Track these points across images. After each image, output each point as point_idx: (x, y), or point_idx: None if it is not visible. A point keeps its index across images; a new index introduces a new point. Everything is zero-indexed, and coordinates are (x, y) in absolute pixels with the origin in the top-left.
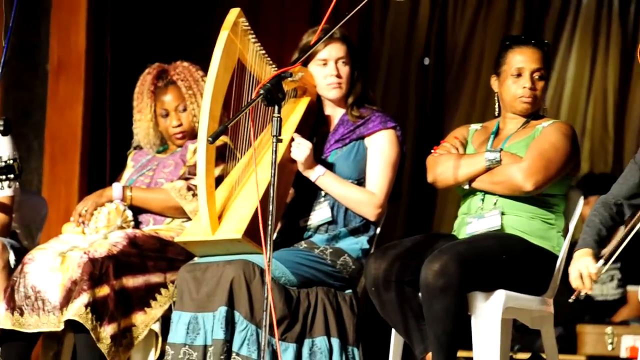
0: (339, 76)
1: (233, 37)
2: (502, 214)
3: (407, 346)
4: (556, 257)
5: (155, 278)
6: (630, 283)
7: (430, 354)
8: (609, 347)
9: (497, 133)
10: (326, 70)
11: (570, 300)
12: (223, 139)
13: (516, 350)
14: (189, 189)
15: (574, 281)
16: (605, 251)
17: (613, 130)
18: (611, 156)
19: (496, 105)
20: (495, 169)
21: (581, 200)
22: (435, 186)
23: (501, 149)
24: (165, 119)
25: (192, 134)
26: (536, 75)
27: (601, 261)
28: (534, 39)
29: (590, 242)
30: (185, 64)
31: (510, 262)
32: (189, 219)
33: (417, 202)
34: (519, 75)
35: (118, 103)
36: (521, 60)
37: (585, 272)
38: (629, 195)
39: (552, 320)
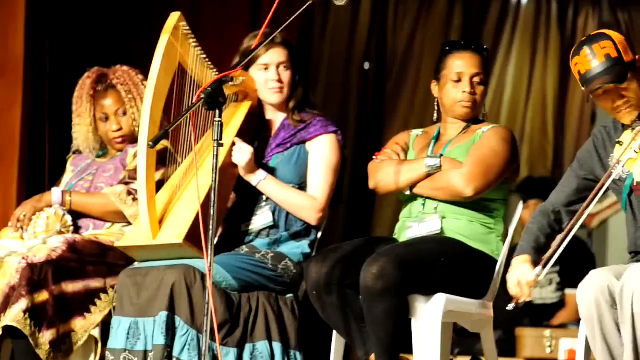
0: (280, 81)
1: (174, 41)
2: (443, 218)
3: (348, 349)
4: (495, 261)
5: (95, 283)
6: (568, 287)
7: (373, 356)
8: (548, 350)
9: (437, 138)
10: (267, 74)
11: (509, 308)
12: (164, 143)
13: (456, 354)
14: (129, 193)
15: (513, 289)
16: (544, 257)
17: (553, 135)
18: (551, 160)
19: (435, 111)
20: (436, 175)
21: (520, 205)
22: (376, 192)
23: (441, 155)
24: (105, 123)
25: (132, 138)
26: (476, 80)
27: (539, 267)
28: (473, 44)
29: (528, 249)
30: (125, 68)
31: (450, 265)
32: (129, 223)
33: (356, 206)
34: (458, 80)
35: (57, 107)
36: (461, 65)
37: (524, 279)
38: (567, 202)
39: (492, 323)
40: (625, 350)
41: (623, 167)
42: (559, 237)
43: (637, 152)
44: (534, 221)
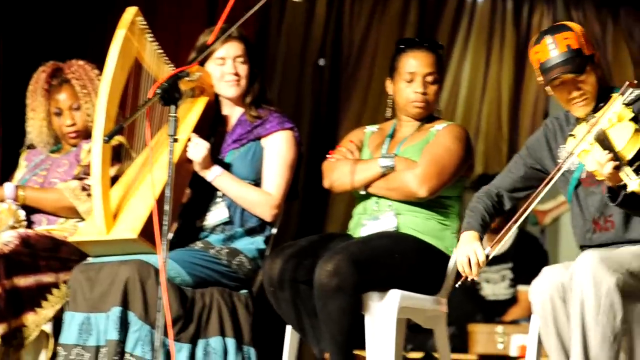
0: (237, 74)
1: (130, 35)
2: (397, 214)
3: (302, 345)
4: (449, 257)
5: (48, 278)
6: (520, 283)
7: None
8: (500, 346)
9: (392, 136)
10: (224, 68)
11: (457, 286)
12: (119, 138)
13: (409, 350)
14: (83, 189)
15: (462, 266)
16: (493, 243)
17: (507, 131)
18: (505, 157)
19: (389, 108)
20: (390, 175)
21: None
22: (331, 191)
23: (395, 155)
24: (58, 117)
25: (85, 134)
26: (428, 79)
27: (488, 248)
28: (427, 42)
29: (476, 226)
30: (81, 62)
31: (404, 262)
32: (83, 219)
33: (310, 202)
34: (411, 80)
35: (11, 101)
36: (414, 64)
37: (474, 259)
38: (511, 188)
39: (445, 319)
40: (573, 336)
41: (576, 159)
42: (509, 224)
43: (591, 145)
44: (478, 201)
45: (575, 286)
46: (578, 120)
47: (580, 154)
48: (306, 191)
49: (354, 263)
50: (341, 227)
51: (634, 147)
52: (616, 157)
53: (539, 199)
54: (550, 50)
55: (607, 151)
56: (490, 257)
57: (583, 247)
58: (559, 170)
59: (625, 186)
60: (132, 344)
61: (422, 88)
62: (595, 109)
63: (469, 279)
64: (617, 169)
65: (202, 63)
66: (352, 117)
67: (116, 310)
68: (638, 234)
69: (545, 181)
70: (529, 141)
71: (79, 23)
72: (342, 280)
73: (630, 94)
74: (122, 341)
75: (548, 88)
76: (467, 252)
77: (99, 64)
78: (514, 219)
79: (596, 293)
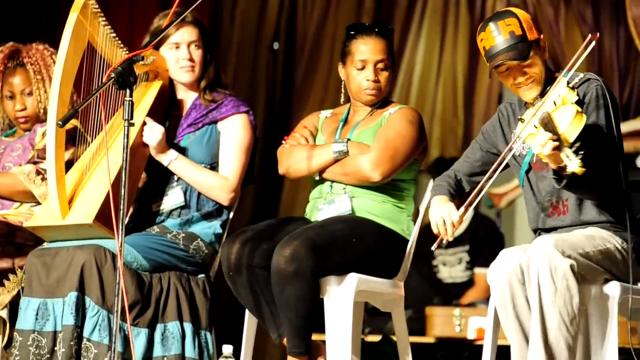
0: (191, 59)
1: (83, 19)
2: (352, 197)
3: (260, 329)
4: (407, 240)
5: (3, 264)
6: (477, 266)
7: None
8: (457, 329)
9: (346, 121)
10: (179, 53)
11: (433, 248)
12: (73, 122)
13: (367, 333)
14: (38, 172)
15: (438, 227)
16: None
17: (463, 115)
18: (460, 141)
19: (342, 93)
20: (344, 160)
21: (431, 184)
22: (287, 177)
23: (348, 139)
24: (10, 101)
25: (36, 120)
26: (380, 66)
27: (462, 209)
28: (377, 27)
29: (445, 192)
30: (41, 47)
31: (362, 245)
32: (38, 203)
33: (265, 186)
34: (362, 67)
35: None
36: (365, 51)
37: (448, 219)
38: (468, 172)
39: (403, 302)
40: (532, 320)
41: (523, 142)
42: (465, 205)
43: (536, 128)
44: (441, 180)
45: (532, 271)
46: (527, 104)
47: (527, 137)
48: (261, 175)
49: (311, 248)
50: (297, 211)
51: (576, 129)
52: (559, 139)
53: (493, 179)
54: (494, 37)
55: (550, 133)
56: (463, 218)
57: (537, 231)
58: (509, 150)
59: (565, 167)
60: (90, 329)
61: (374, 75)
62: (543, 93)
63: (444, 241)
64: (558, 150)
65: (156, 47)
66: (313, 102)
67: (73, 296)
68: (591, 217)
69: (497, 162)
70: (485, 126)
71: (32, 6)
72: (300, 265)
73: (575, 76)
74: (79, 326)
75: (495, 74)
76: (441, 213)
77: (52, 48)
78: (470, 199)
79: (552, 277)
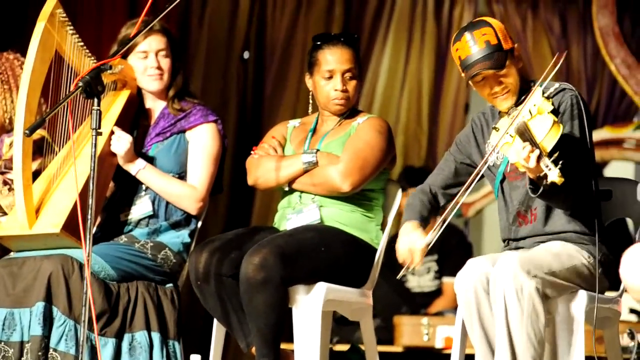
0: (159, 68)
1: (50, 28)
2: (321, 207)
3: (228, 338)
4: (375, 249)
5: None
6: (446, 275)
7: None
8: (425, 338)
9: (314, 131)
10: (147, 62)
11: (399, 276)
12: (40, 132)
13: (335, 342)
14: (4, 183)
15: (404, 255)
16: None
17: (427, 125)
18: (424, 150)
19: (310, 103)
20: (313, 170)
21: (399, 193)
22: (256, 188)
23: (317, 150)
24: None
25: (1, 130)
26: (347, 76)
27: (429, 235)
28: (343, 36)
29: (415, 217)
30: (11, 56)
31: (330, 254)
32: (5, 213)
33: (236, 195)
34: (330, 77)
35: None
36: (332, 61)
37: (415, 247)
38: (443, 185)
39: (371, 312)
40: (499, 340)
41: (498, 152)
42: (440, 218)
43: (512, 137)
44: (415, 197)
45: (498, 292)
46: (501, 114)
47: (503, 146)
48: (233, 185)
49: (280, 256)
50: (268, 220)
51: (553, 138)
52: (537, 148)
53: (467, 194)
54: (470, 47)
55: (527, 143)
56: (430, 245)
57: (505, 240)
58: (485, 163)
59: (545, 177)
60: (56, 339)
61: (342, 85)
62: (518, 102)
63: (410, 268)
64: (537, 160)
65: (124, 56)
66: (285, 110)
67: (40, 306)
68: (559, 226)
69: (472, 176)
70: (458, 137)
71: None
72: (269, 274)
73: (550, 86)
74: (46, 336)
75: (470, 84)
76: (407, 242)
77: (23, 57)
78: (445, 213)
79: (518, 298)
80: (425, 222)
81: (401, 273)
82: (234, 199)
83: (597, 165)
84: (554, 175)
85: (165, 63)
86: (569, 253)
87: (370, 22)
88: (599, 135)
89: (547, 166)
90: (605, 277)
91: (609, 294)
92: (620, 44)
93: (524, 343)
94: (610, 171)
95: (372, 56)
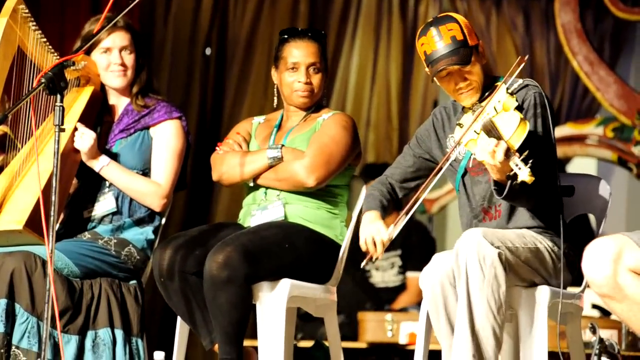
0: (123, 64)
1: (12, 24)
2: (286, 203)
3: (192, 336)
4: (339, 246)
5: None
6: (410, 270)
7: (217, 345)
8: (389, 334)
9: (280, 126)
10: (110, 58)
11: (362, 266)
12: (3, 128)
13: (299, 339)
14: None
15: (367, 245)
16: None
17: (397, 121)
18: (396, 147)
19: (275, 97)
20: (278, 165)
21: (364, 189)
22: (221, 184)
23: (282, 145)
24: None
25: None
26: (312, 70)
27: (392, 227)
28: (310, 31)
29: (375, 207)
30: None
31: (294, 251)
32: None
33: (197, 192)
34: (295, 70)
35: None
36: (297, 54)
37: (378, 237)
38: (401, 178)
39: (335, 308)
40: (459, 308)
41: (465, 147)
42: (402, 213)
43: (477, 133)
44: (374, 188)
45: (460, 260)
46: (464, 109)
47: (468, 143)
48: (195, 181)
49: (244, 254)
50: (229, 216)
51: (521, 136)
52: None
53: (429, 188)
54: (436, 42)
55: (493, 139)
56: (393, 237)
57: None
58: (447, 159)
59: (515, 176)
60: (19, 336)
61: (306, 78)
62: (482, 98)
63: (373, 258)
64: (506, 157)
65: (88, 52)
66: (252, 106)
67: (2, 302)
68: (523, 222)
69: (435, 171)
70: (418, 131)
71: None
72: (233, 272)
73: (514, 82)
74: (8, 334)
75: (435, 79)
76: (371, 232)
77: None
78: (405, 210)
79: (481, 265)
80: (385, 212)
81: (364, 262)
82: (194, 196)
83: (559, 162)
84: (524, 174)
85: (129, 59)
86: (533, 235)
87: (338, 19)
88: (561, 131)
89: (516, 165)
90: (568, 271)
91: (572, 289)
92: (583, 41)
93: (484, 311)
94: (572, 167)
95: (342, 53)
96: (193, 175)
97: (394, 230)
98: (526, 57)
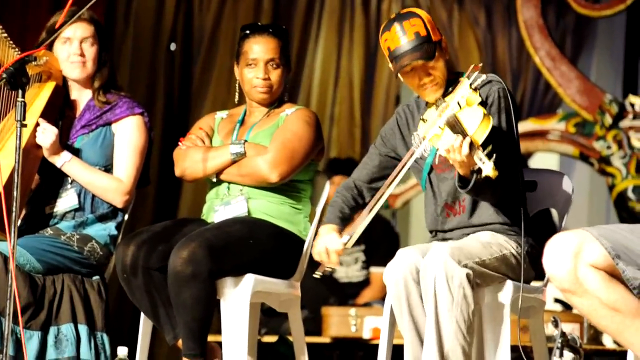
0: (82, 55)
1: None
2: (249, 199)
3: (155, 331)
4: (303, 241)
5: None
6: (373, 265)
7: (180, 341)
8: (353, 329)
9: (242, 122)
10: (70, 48)
11: (315, 275)
12: None
13: (263, 334)
14: None
15: (320, 255)
16: (350, 230)
17: (360, 117)
18: (358, 143)
19: (236, 93)
20: (241, 161)
21: (327, 185)
22: (183, 179)
23: (245, 141)
24: None
25: None
26: (270, 65)
27: (346, 236)
28: (271, 27)
29: (334, 219)
30: None
31: (258, 246)
32: None
33: (165, 188)
34: (254, 65)
35: None
36: (256, 50)
37: (331, 247)
38: (368, 179)
39: (299, 303)
40: (427, 329)
41: (428, 142)
42: (364, 211)
43: (441, 129)
44: (338, 195)
45: (428, 280)
46: (428, 105)
47: (432, 138)
48: (161, 177)
49: (208, 250)
50: (197, 212)
51: (484, 131)
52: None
53: (393, 186)
54: (400, 37)
55: (458, 135)
56: (348, 244)
57: (433, 232)
58: (411, 155)
59: (479, 171)
60: None
61: (264, 73)
62: (445, 94)
63: (327, 268)
64: (470, 152)
65: (50, 46)
66: (215, 102)
67: None
68: (486, 218)
69: (399, 167)
70: (383, 130)
71: None
72: (197, 267)
73: (477, 78)
74: None
75: (399, 75)
76: (324, 242)
77: None
78: (368, 207)
79: (449, 286)
80: (345, 222)
81: (317, 273)
82: (161, 191)
83: (522, 157)
84: (488, 169)
85: (90, 52)
86: (498, 242)
87: (302, 16)
88: (524, 126)
89: (480, 159)
90: (531, 267)
91: (535, 284)
92: (545, 37)
93: (453, 331)
94: (535, 162)
95: (306, 50)
96: (161, 171)
97: (350, 240)
98: (480, 66)
